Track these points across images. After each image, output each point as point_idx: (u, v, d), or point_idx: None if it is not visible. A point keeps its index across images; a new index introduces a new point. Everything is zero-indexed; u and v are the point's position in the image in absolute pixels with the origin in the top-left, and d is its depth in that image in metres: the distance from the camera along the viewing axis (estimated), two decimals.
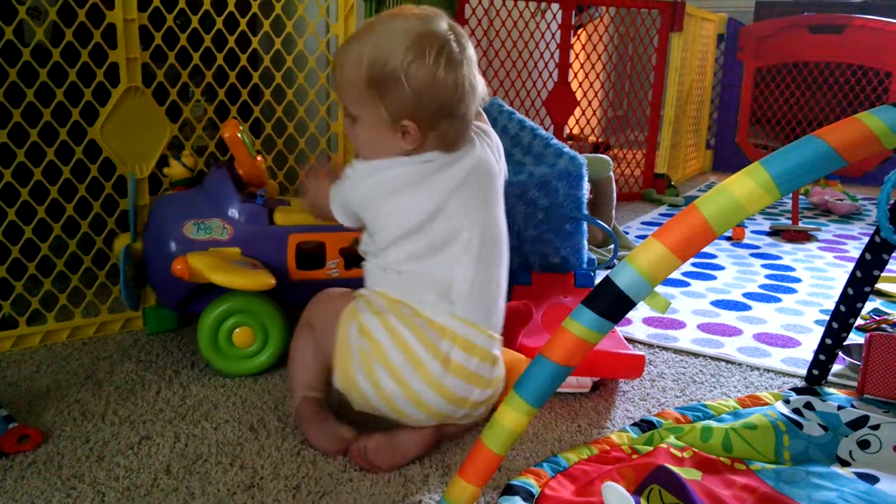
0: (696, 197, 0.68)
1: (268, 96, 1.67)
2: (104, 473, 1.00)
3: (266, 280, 1.25)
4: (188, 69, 1.54)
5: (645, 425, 1.12)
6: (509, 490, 0.92)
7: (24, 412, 1.15)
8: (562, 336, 0.77)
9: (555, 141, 1.61)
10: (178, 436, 1.10)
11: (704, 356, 1.47)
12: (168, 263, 1.27)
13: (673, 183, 3.32)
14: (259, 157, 1.46)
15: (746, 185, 0.67)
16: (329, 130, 1.79)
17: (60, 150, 1.41)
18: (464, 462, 0.84)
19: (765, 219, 2.88)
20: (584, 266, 1.62)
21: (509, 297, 1.50)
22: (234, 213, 1.35)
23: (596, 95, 3.19)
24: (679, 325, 1.63)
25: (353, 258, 1.39)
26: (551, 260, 1.56)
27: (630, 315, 1.60)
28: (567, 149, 1.58)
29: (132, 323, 1.53)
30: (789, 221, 2.68)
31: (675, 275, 1.99)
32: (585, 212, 1.58)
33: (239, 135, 1.37)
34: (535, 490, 0.92)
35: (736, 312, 1.74)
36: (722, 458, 1.02)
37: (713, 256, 2.27)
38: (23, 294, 1.42)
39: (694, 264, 2.15)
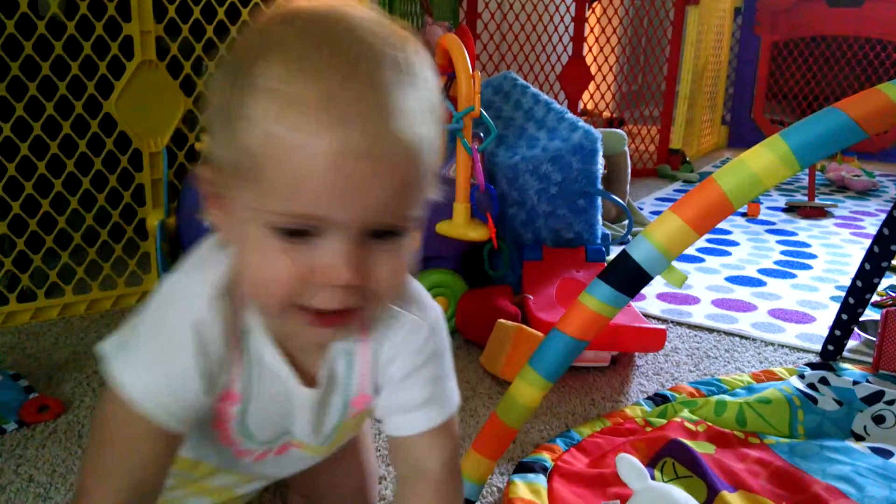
0: (711, 173, 0.67)
1: None
2: None
3: None
4: (202, 42, 1.53)
5: (658, 399, 1.12)
6: (523, 467, 0.93)
7: (43, 383, 1.17)
8: (577, 310, 0.77)
9: (569, 115, 1.60)
10: None
11: (719, 331, 1.46)
12: (200, 233, 1.27)
13: (688, 159, 3.29)
14: None
15: (765, 157, 0.66)
16: None
17: (76, 124, 1.42)
18: (478, 435, 0.85)
19: (780, 195, 2.86)
20: (598, 242, 1.61)
21: (520, 272, 1.51)
22: None
23: (611, 70, 3.16)
24: (693, 300, 1.63)
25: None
26: (564, 235, 1.56)
27: (644, 290, 1.60)
28: (581, 123, 1.57)
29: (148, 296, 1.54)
30: (805, 198, 2.65)
31: (690, 250, 1.98)
32: (599, 187, 1.57)
33: None
34: (549, 464, 0.93)
35: (751, 288, 1.73)
36: (736, 432, 1.02)
37: (728, 232, 2.25)
38: (41, 267, 1.43)
39: (709, 240, 2.14)
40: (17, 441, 1.01)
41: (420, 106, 0.48)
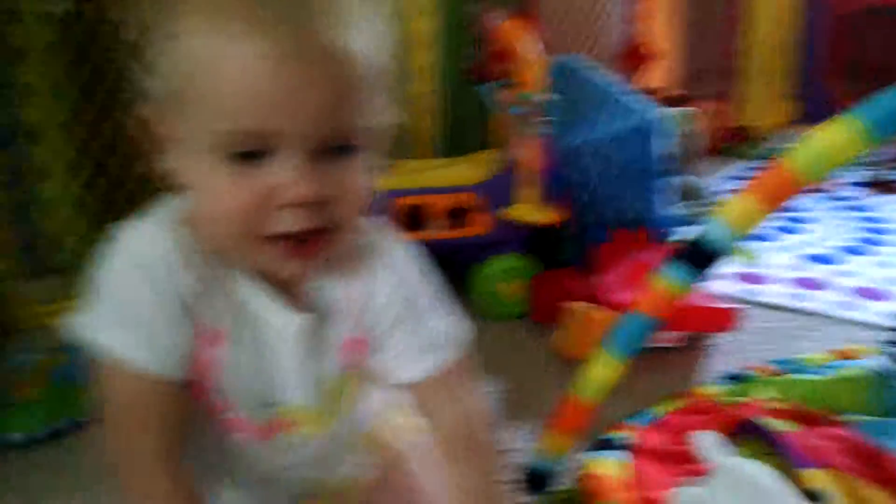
0: (780, 150, 0.67)
1: None
2: None
3: None
4: None
5: (735, 378, 1.11)
6: (599, 444, 0.94)
7: None
8: (651, 289, 0.79)
9: (631, 95, 1.59)
10: None
11: (797, 310, 1.44)
12: None
13: (756, 136, 3.20)
14: None
15: (839, 132, 0.65)
16: (405, 94, 1.82)
17: None
18: (555, 413, 0.87)
19: (862, 169, 2.75)
20: (663, 222, 1.60)
21: (587, 255, 1.51)
22: None
23: (675, 47, 3.10)
24: (771, 279, 1.60)
25: (453, 219, 1.43)
26: (628, 216, 1.55)
27: (718, 269, 1.57)
28: (644, 103, 1.56)
29: None
30: (886, 172, 2.55)
31: (767, 229, 1.94)
32: (664, 167, 1.56)
33: None
34: (626, 442, 0.94)
35: (830, 266, 1.69)
36: (815, 410, 1.01)
37: (807, 210, 2.19)
38: None
39: (787, 218, 2.08)
40: None
41: (356, 11, 0.47)
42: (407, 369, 0.60)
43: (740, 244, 0.74)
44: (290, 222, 0.47)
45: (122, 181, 1.47)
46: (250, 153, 0.46)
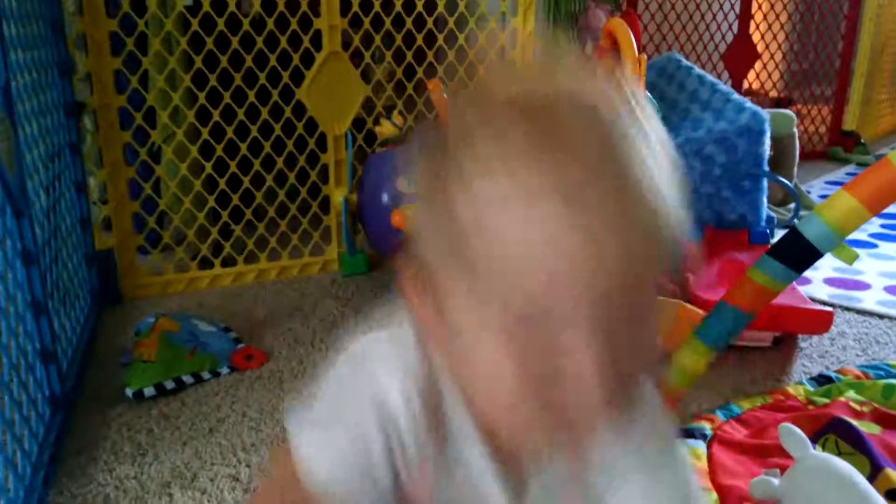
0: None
1: (451, 57, 1.77)
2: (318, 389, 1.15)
3: None
4: (380, 33, 1.66)
5: (823, 380, 1.12)
6: (683, 433, 0.97)
7: (247, 337, 1.34)
8: (745, 284, 0.81)
9: (735, 96, 1.59)
10: None
11: (891, 318, 1.41)
12: (383, 213, 1.41)
13: (863, 141, 3.09)
14: None
15: None
16: None
17: (272, 110, 1.59)
18: None
19: None
20: (763, 224, 1.59)
21: (682, 253, 1.52)
22: None
23: (779, 47, 3.03)
24: (864, 286, 1.58)
25: None
26: (727, 217, 1.56)
27: (811, 275, 1.56)
28: (748, 104, 1.56)
29: (329, 266, 1.71)
30: None
31: (863, 235, 1.90)
32: (766, 169, 1.56)
33: (444, 95, 1.48)
34: (709, 432, 0.97)
35: None
36: None
37: None
38: (241, 237, 1.63)
39: (883, 225, 2.03)
40: (231, 383, 1.18)
41: (656, 173, 0.40)
42: None
43: (840, 244, 0.75)
44: (575, 395, 0.39)
45: (225, 166, 1.58)
46: (529, 326, 0.39)
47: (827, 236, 0.75)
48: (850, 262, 0.75)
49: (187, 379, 1.16)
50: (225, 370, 1.21)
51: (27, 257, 0.97)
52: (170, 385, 1.14)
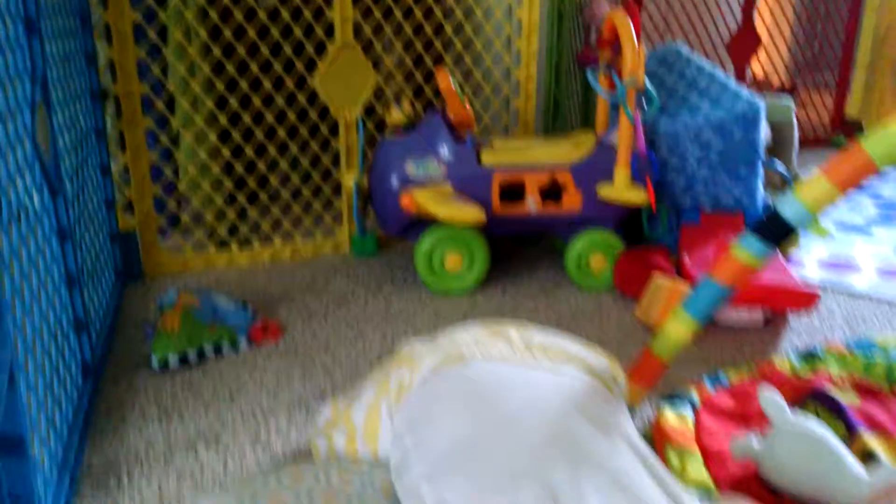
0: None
1: (459, 48, 1.83)
2: (330, 359, 1.23)
3: (478, 215, 1.44)
4: (391, 24, 1.72)
5: (809, 355, 1.18)
6: (672, 397, 1.04)
7: (263, 312, 1.42)
8: (728, 260, 0.88)
9: (733, 84, 1.64)
10: (385, 335, 1.31)
11: (880, 300, 1.47)
12: (392, 196, 1.48)
13: (865, 129, 3.13)
14: (467, 104, 1.62)
15: None
16: (510, 77, 1.92)
17: (286, 98, 1.66)
18: (632, 366, 0.97)
19: None
20: (758, 209, 1.65)
21: (677, 235, 1.59)
22: (446, 153, 1.53)
23: (783, 36, 3.07)
24: (855, 269, 1.63)
25: (549, 195, 1.54)
26: (723, 201, 1.61)
27: (804, 257, 1.62)
28: (746, 92, 1.61)
29: (340, 247, 1.78)
30: None
31: (859, 221, 1.95)
32: (763, 156, 1.61)
33: (452, 84, 1.54)
34: (696, 400, 1.03)
35: None
36: (884, 387, 1.07)
37: None
38: (256, 219, 1.70)
39: (878, 211, 2.08)
40: (249, 356, 1.25)
41: None
42: None
43: (814, 219, 0.82)
44: None
45: (242, 151, 1.65)
46: None
47: (802, 214, 0.82)
48: (824, 237, 0.82)
49: (208, 350, 1.24)
50: (243, 342, 1.28)
51: (62, 233, 1.05)
52: (192, 356, 1.22)
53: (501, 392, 0.71)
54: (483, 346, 0.81)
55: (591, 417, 0.70)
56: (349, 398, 0.89)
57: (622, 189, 1.49)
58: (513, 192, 1.56)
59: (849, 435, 0.94)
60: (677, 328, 0.92)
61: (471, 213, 1.43)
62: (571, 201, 1.53)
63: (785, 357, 1.18)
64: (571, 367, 0.80)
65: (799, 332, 1.33)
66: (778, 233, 0.85)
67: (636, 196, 1.48)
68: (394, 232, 1.58)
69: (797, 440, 0.87)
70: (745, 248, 0.87)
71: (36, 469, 0.76)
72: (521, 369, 0.76)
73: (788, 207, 0.83)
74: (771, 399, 0.91)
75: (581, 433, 0.66)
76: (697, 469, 0.87)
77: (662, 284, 1.33)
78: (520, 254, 1.77)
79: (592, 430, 0.66)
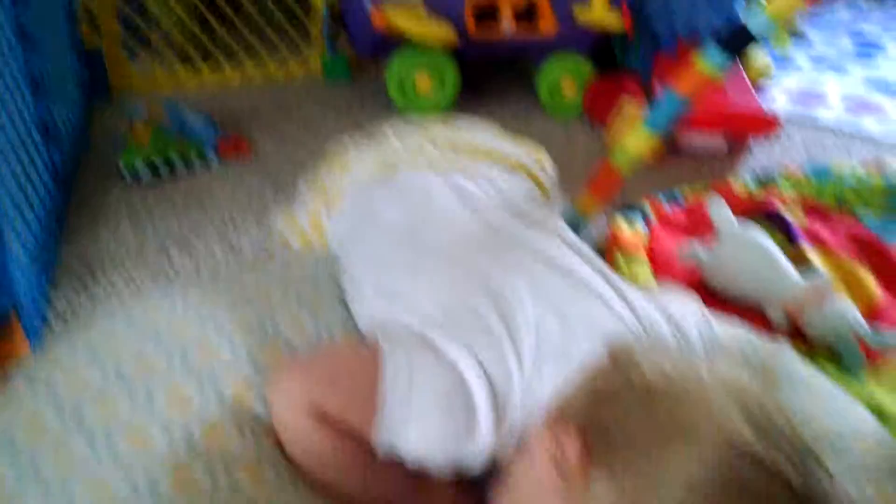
0: None
1: None
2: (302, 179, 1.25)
3: (450, 34, 1.41)
4: None
5: (765, 178, 1.21)
6: (626, 207, 1.08)
7: (233, 131, 1.41)
8: (689, 72, 0.88)
9: None
10: None
11: (842, 133, 1.50)
12: (363, 13, 1.44)
13: None
14: None
15: None
16: None
17: None
18: (591, 178, 1.00)
19: None
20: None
21: (651, 64, 1.57)
22: None
23: None
24: (824, 102, 1.65)
25: (523, 17, 1.50)
26: (701, 27, 1.58)
27: (773, 90, 1.62)
28: None
29: (312, 71, 1.75)
30: None
31: (833, 56, 1.94)
32: None
33: None
34: (651, 213, 1.08)
35: (891, 97, 1.71)
36: (833, 209, 1.12)
37: (878, 37, 2.15)
38: (228, 42, 1.66)
39: (856, 48, 2.06)
40: (221, 172, 1.27)
41: None
42: None
43: (777, 30, 0.82)
44: None
45: None
46: None
47: (766, 24, 0.82)
48: (785, 46, 0.82)
49: (178, 162, 1.25)
50: (212, 157, 1.29)
51: (23, 35, 1.03)
52: (161, 166, 1.23)
53: (429, 202, 0.73)
54: (411, 154, 0.82)
55: (522, 217, 0.71)
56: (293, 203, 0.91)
57: (600, 12, 1.46)
58: (487, 13, 1.52)
59: (791, 246, 0.99)
60: (636, 140, 0.94)
61: (443, 31, 1.41)
62: (546, 24, 1.50)
63: (741, 179, 1.22)
64: (499, 168, 0.80)
65: (759, 159, 1.36)
66: (737, 41, 0.85)
67: (613, 20, 1.46)
68: (365, 52, 1.55)
69: (740, 245, 0.92)
70: (705, 59, 0.87)
71: (12, 259, 0.79)
72: (447, 177, 0.77)
73: (754, 18, 0.83)
74: (718, 208, 0.95)
75: (514, 231, 0.67)
76: (644, 273, 0.92)
77: (633, 109, 1.34)
78: (493, 81, 1.75)
79: (523, 228, 0.68)
